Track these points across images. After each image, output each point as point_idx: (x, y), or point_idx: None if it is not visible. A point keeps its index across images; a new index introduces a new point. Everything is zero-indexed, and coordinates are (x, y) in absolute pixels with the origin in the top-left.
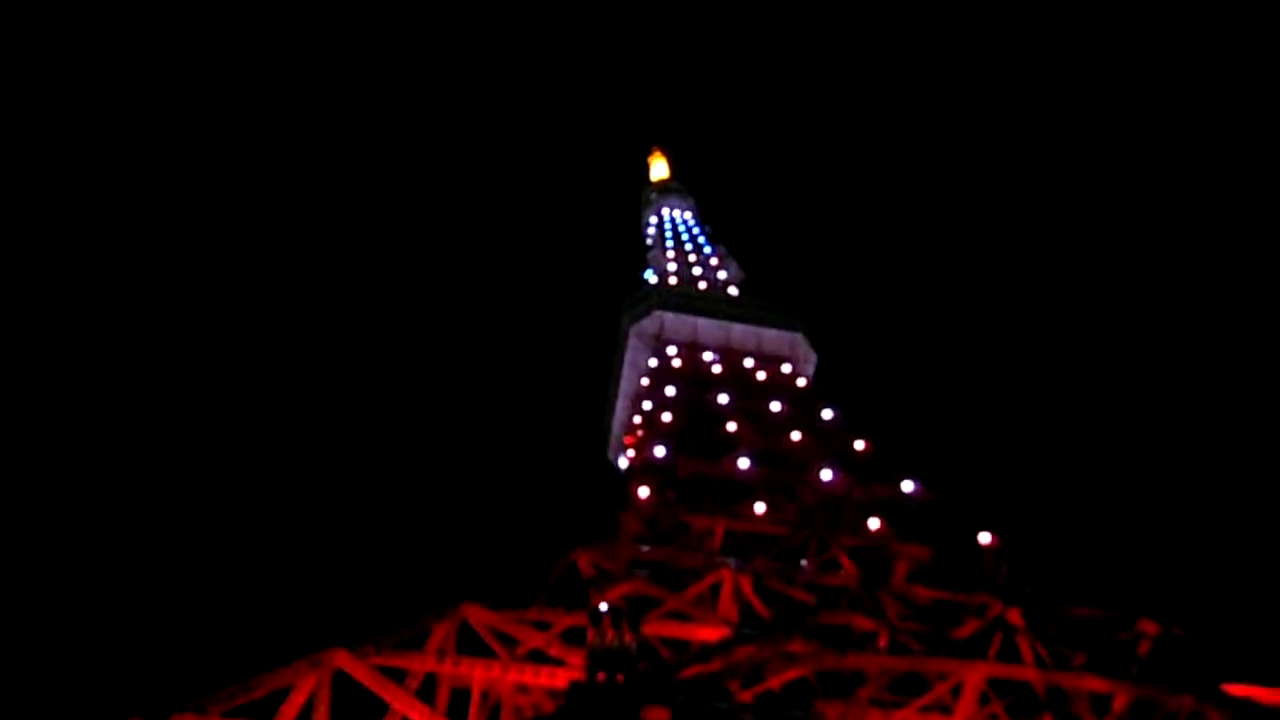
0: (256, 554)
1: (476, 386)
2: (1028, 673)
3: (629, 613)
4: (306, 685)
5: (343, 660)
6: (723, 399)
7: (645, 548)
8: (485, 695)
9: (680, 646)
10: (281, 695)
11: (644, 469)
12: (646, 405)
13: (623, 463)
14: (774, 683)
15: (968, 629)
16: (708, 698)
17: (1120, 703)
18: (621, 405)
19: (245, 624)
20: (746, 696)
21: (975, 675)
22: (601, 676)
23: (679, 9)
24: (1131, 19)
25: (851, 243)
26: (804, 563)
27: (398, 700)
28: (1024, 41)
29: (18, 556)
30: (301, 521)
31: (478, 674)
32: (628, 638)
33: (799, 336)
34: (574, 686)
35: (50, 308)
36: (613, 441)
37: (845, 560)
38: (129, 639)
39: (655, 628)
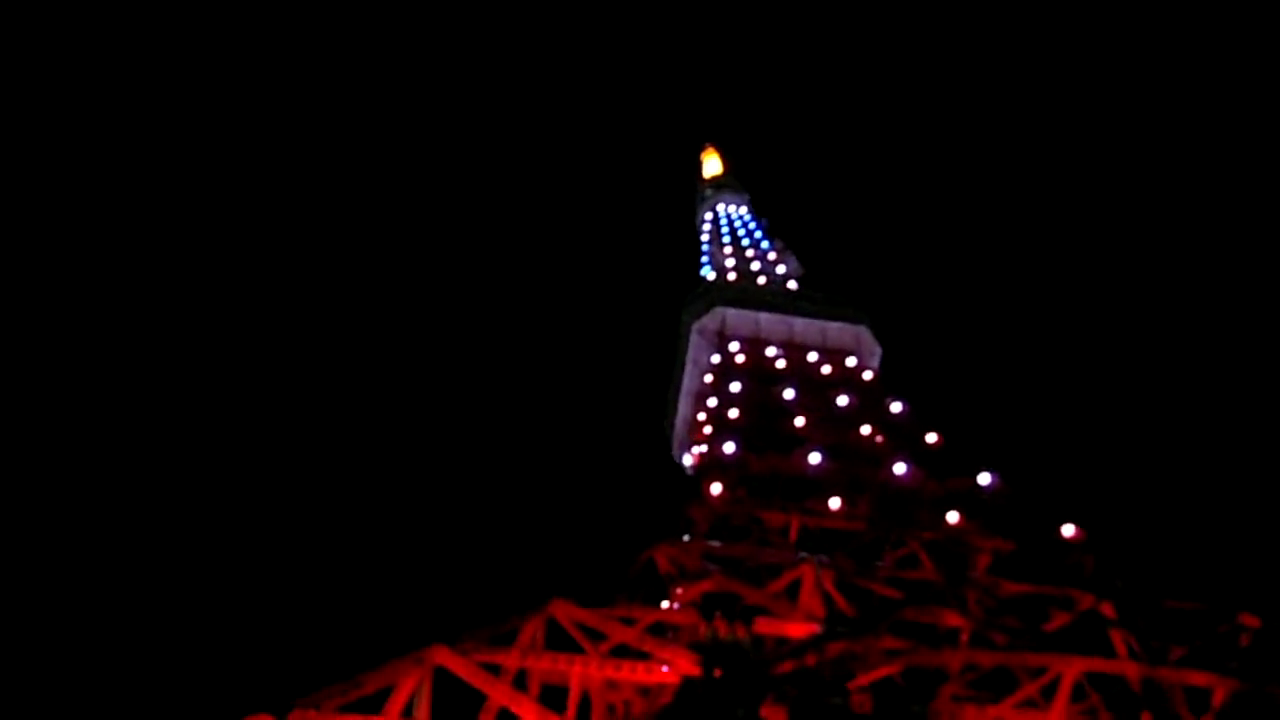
0: (352, 557)
1: (540, 388)
2: (1127, 667)
3: (741, 609)
4: (409, 682)
5: (443, 657)
6: (789, 394)
7: (717, 544)
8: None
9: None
10: (386, 691)
11: (715, 465)
12: (712, 402)
13: (688, 460)
14: (864, 679)
15: (1058, 623)
16: (821, 693)
17: (1219, 697)
18: (684, 403)
19: (342, 623)
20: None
21: (1072, 670)
22: (718, 672)
23: (724, 4)
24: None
25: (912, 231)
26: (883, 558)
27: (499, 693)
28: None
29: (131, 556)
30: (395, 525)
31: (575, 669)
32: (740, 633)
33: (863, 329)
34: (687, 681)
35: (52, 308)
36: (676, 439)
37: (924, 556)
38: (240, 638)
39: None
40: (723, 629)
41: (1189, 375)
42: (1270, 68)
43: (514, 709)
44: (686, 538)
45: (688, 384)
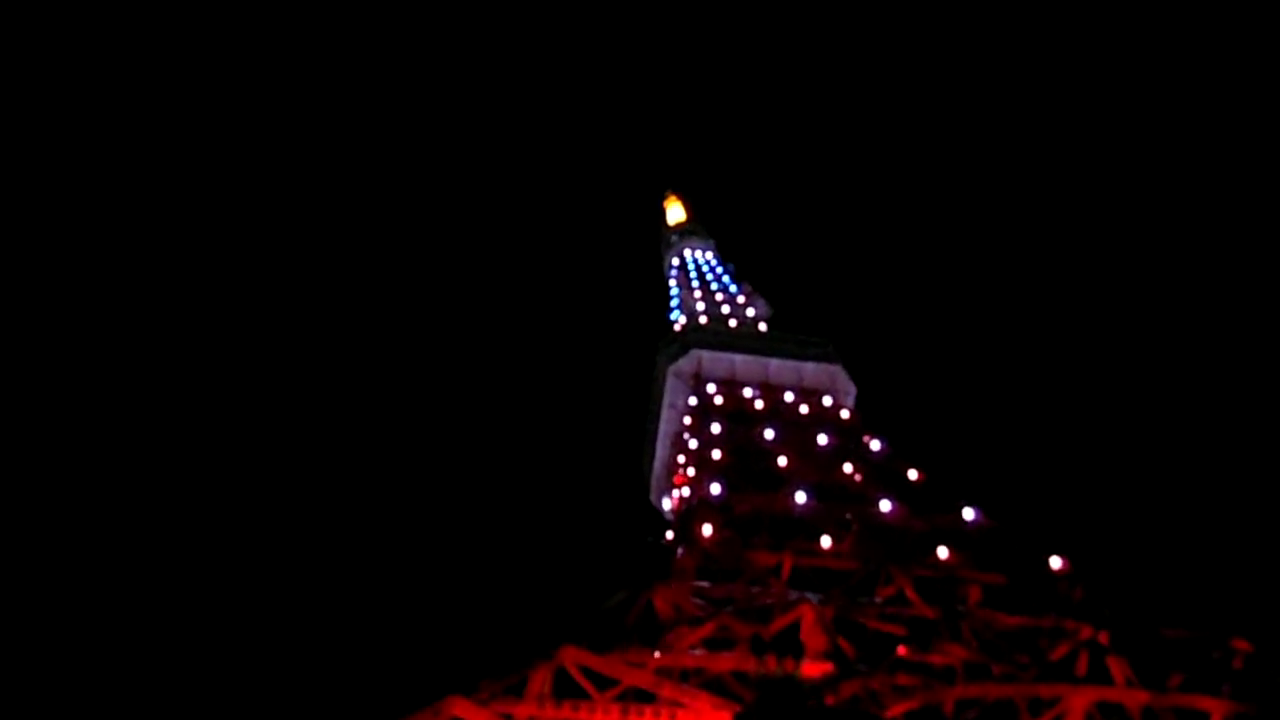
0: (355, 606)
1: (508, 433)
2: (1135, 695)
3: (791, 646)
4: None
5: (460, 708)
6: (769, 434)
7: (705, 584)
8: None
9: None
10: None
11: (702, 507)
12: (693, 444)
13: (666, 503)
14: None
15: (1058, 653)
16: None
17: None
18: (662, 446)
19: (349, 672)
20: None
21: (1083, 699)
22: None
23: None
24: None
25: (878, 267)
26: (877, 595)
27: None
28: (1050, 60)
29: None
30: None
31: (595, 718)
32: (789, 668)
33: (838, 368)
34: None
35: (52, 307)
36: (655, 482)
37: (911, 591)
38: (255, 691)
39: (746, 662)
40: (773, 665)
41: (1165, 396)
42: (1271, 68)
43: None
44: (671, 581)
45: (665, 427)
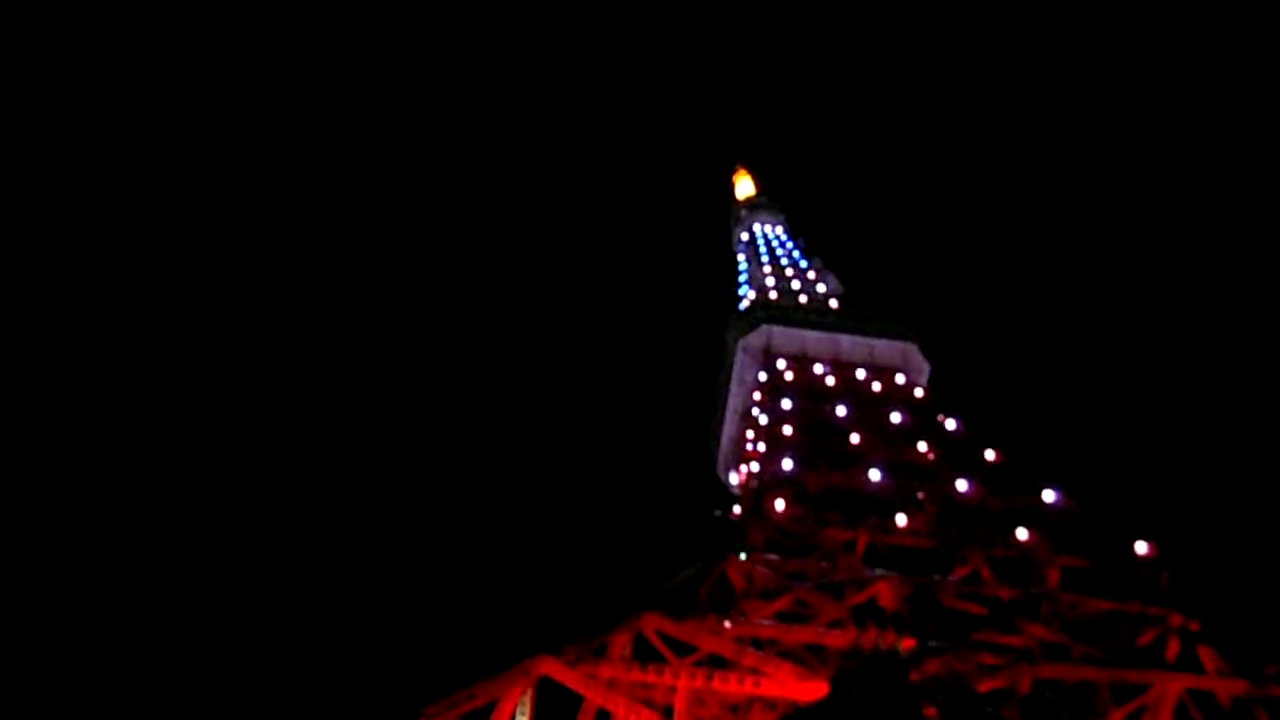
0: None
1: (579, 410)
2: (1231, 684)
3: (891, 618)
4: (515, 692)
5: (549, 667)
6: (841, 411)
7: (775, 557)
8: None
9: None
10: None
11: (774, 482)
12: (763, 419)
13: (734, 477)
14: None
15: (1145, 639)
16: (969, 702)
17: None
18: (730, 421)
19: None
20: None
21: (1175, 686)
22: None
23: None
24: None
25: (950, 245)
26: (953, 574)
27: (604, 699)
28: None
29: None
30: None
31: (679, 681)
32: (890, 640)
33: (911, 346)
34: (839, 687)
35: (54, 306)
36: (722, 457)
37: (986, 571)
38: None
39: (825, 636)
40: (874, 637)
41: (1261, 380)
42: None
43: (612, 709)
44: (743, 555)
45: (733, 402)
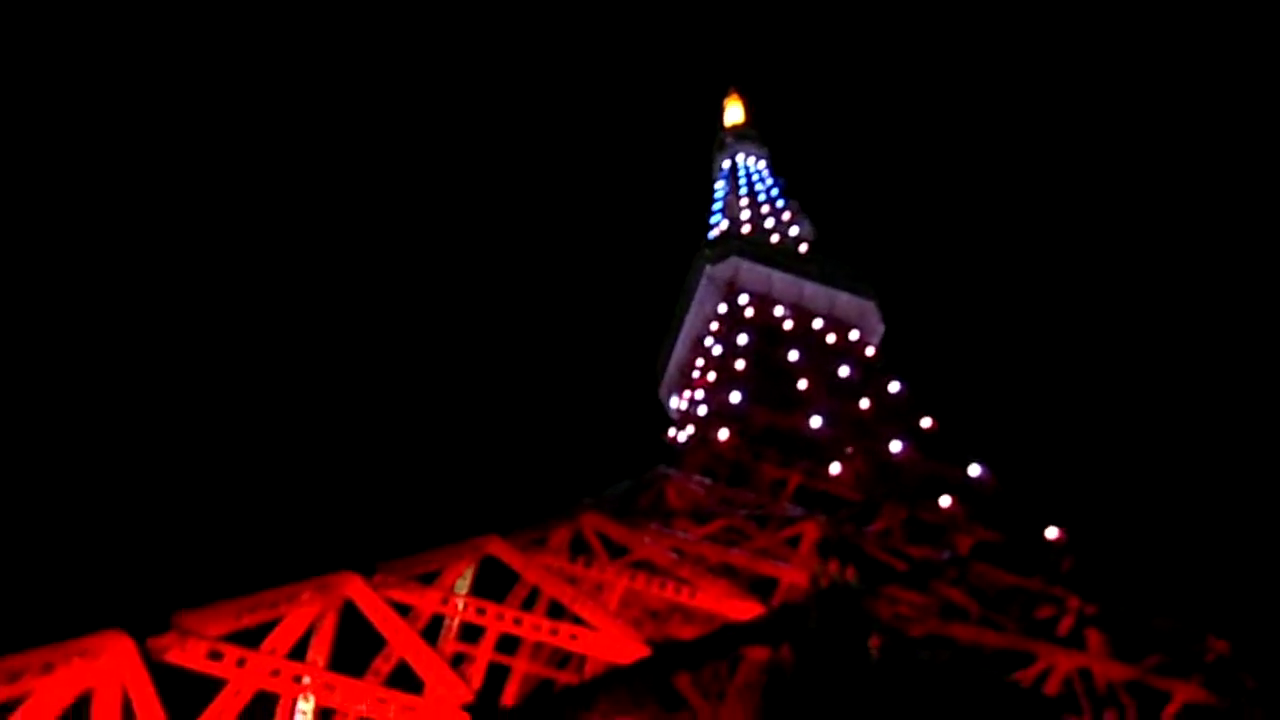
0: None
1: (532, 313)
2: (1121, 669)
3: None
4: (462, 565)
5: (496, 547)
6: (793, 355)
7: (708, 482)
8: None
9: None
10: (433, 575)
11: (720, 412)
12: (716, 350)
13: (674, 401)
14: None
15: (1041, 615)
16: (906, 642)
17: (1174, 708)
18: (682, 345)
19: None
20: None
21: (1068, 663)
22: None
23: None
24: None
25: (924, 214)
26: (874, 527)
27: (543, 582)
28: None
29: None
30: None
31: (621, 581)
32: (849, 575)
33: (871, 305)
34: (790, 609)
35: (52, 305)
36: (667, 379)
37: (899, 529)
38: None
39: (744, 561)
40: (835, 569)
41: (1190, 386)
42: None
43: (546, 589)
44: (684, 474)
45: (689, 328)
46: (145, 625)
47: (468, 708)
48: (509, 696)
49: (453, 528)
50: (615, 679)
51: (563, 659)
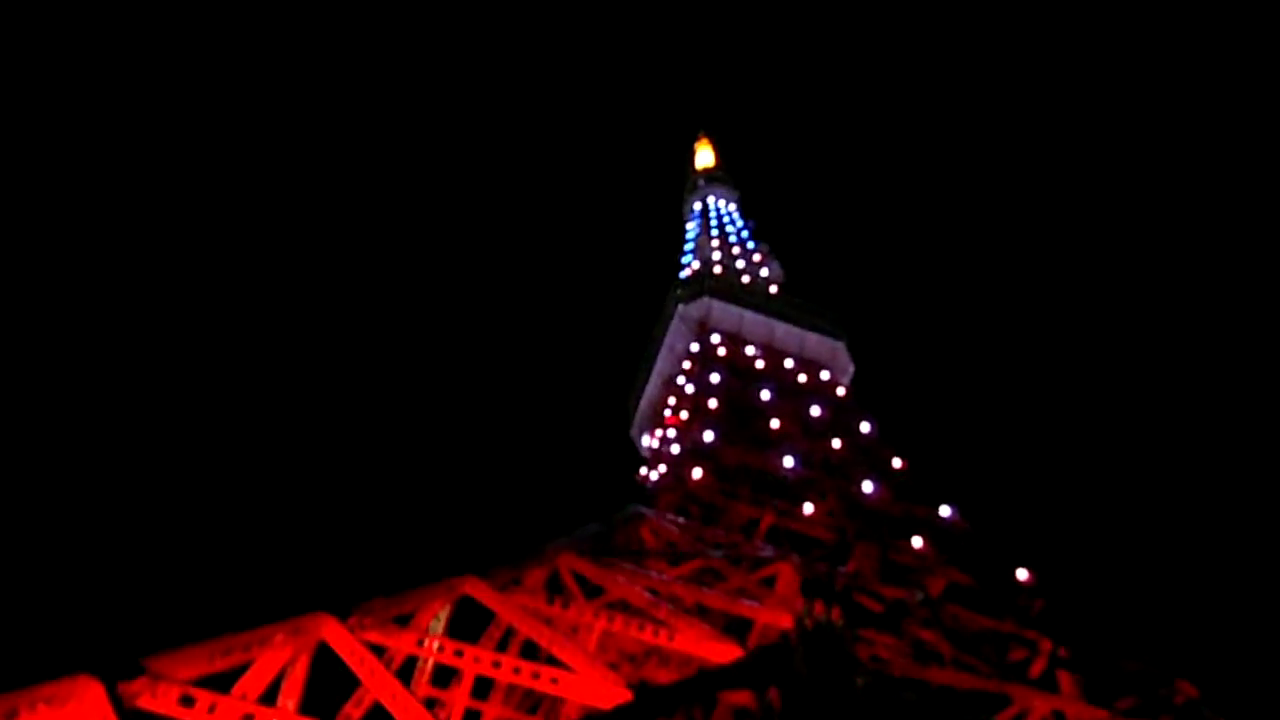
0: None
1: (496, 353)
2: (1094, 712)
3: (841, 593)
4: (436, 605)
5: (473, 587)
6: (765, 394)
7: (682, 521)
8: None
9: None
10: (408, 617)
11: (694, 451)
12: (689, 389)
13: (646, 440)
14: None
15: (1016, 657)
16: (890, 684)
17: None
18: (654, 384)
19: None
20: None
21: (1044, 706)
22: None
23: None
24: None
25: (892, 253)
26: (847, 568)
27: (522, 624)
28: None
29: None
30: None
31: (598, 623)
32: (835, 616)
33: (841, 345)
34: (773, 650)
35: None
36: (639, 418)
37: (871, 571)
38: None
39: (721, 603)
40: (820, 609)
41: (1158, 426)
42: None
43: (525, 630)
44: (654, 514)
45: (660, 366)
46: (114, 669)
47: None
48: None
49: (425, 568)
50: None
51: (534, 704)
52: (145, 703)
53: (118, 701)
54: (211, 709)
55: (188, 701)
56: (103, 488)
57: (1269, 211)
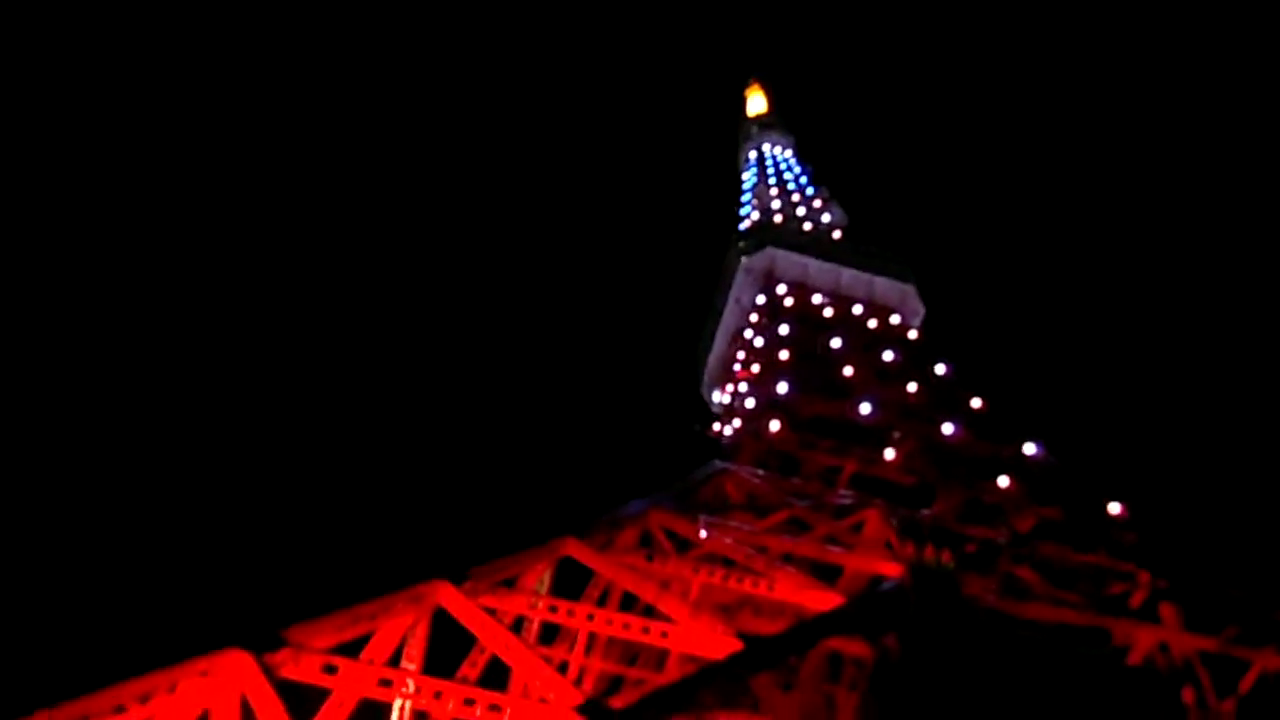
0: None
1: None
2: (1202, 642)
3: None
4: (541, 567)
5: (573, 548)
6: (836, 343)
7: (763, 474)
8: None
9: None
10: (514, 580)
11: (769, 404)
12: (758, 342)
13: (717, 396)
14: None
15: (1114, 591)
16: (1007, 623)
17: (1252, 676)
18: (721, 339)
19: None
20: None
21: (1148, 638)
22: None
23: None
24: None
25: (958, 194)
26: (933, 510)
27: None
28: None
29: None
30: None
31: (700, 577)
32: (946, 558)
33: (910, 288)
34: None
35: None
36: (708, 374)
37: (958, 509)
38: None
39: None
40: (930, 553)
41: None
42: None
43: (629, 587)
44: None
45: (727, 321)
46: (260, 641)
47: (581, 709)
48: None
49: (520, 534)
50: (712, 674)
51: (632, 656)
52: (289, 672)
53: (268, 671)
54: (347, 674)
55: (330, 670)
56: (216, 475)
57: None
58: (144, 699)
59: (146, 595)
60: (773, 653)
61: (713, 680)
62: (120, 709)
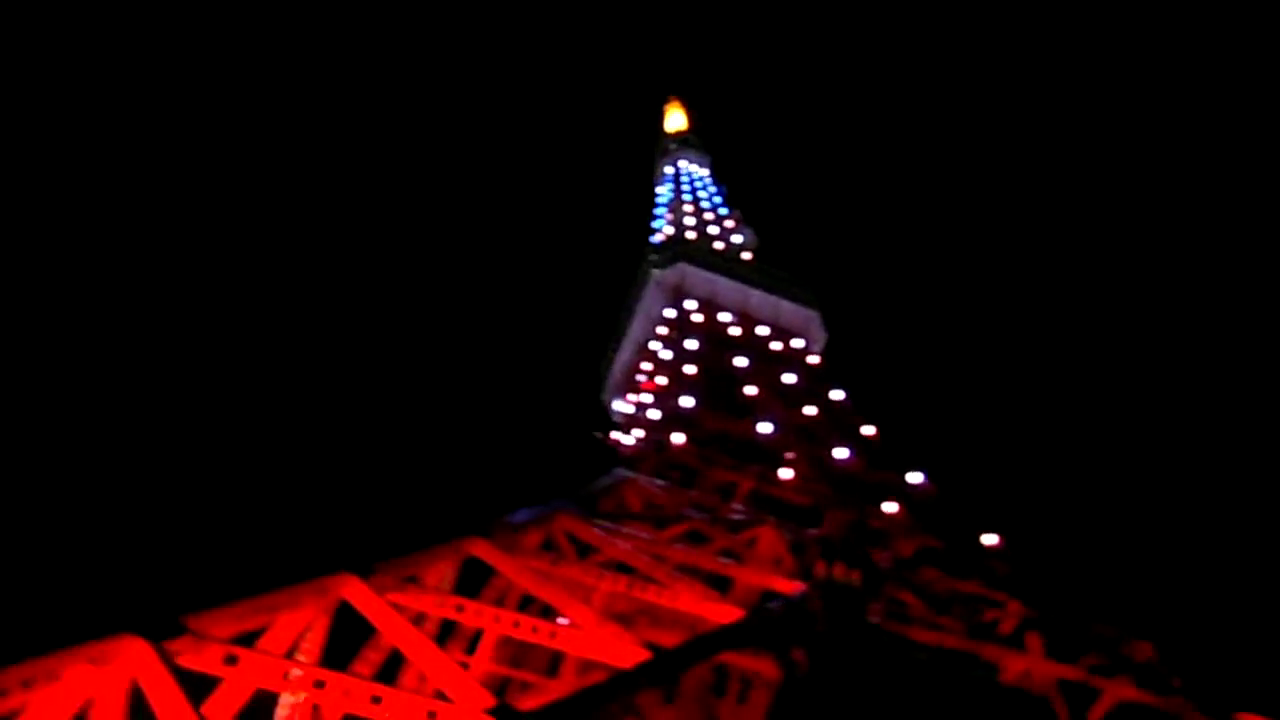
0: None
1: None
2: (1068, 671)
3: (859, 556)
4: (446, 566)
5: (479, 548)
6: (740, 362)
7: (662, 484)
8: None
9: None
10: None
11: (673, 417)
12: (665, 355)
13: (618, 405)
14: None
15: (987, 620)
16: (901, 644)
17: (1105, 705)
18: (627, 349)
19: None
20: None
21: (1015, 664)
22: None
23: None
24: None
25: (865, 223)
26: (819, 531)
27: (529, 584)
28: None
29: None
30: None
31: (604, 584)
32: (854, 577)
33: (814, 315)
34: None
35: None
36: (611, 383)
37: (840, 535)
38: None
39: (712, 564)
40: (841, 572)
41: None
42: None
43: (535, 590)
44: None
45: (635, 332)
46: (157, 628)
47: (493, 711)
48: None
49: (422, 532)
50: (622, 683)
51: (520, 659)
52: (188, 660)
53: (167, 658)
54: (247, 666)
55: (231, 660)
56: (131, 460)
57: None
58: (26, 684)
59: (42, 579)
60: (679, 663)
61: (626, 689)
62: (3, 692)
